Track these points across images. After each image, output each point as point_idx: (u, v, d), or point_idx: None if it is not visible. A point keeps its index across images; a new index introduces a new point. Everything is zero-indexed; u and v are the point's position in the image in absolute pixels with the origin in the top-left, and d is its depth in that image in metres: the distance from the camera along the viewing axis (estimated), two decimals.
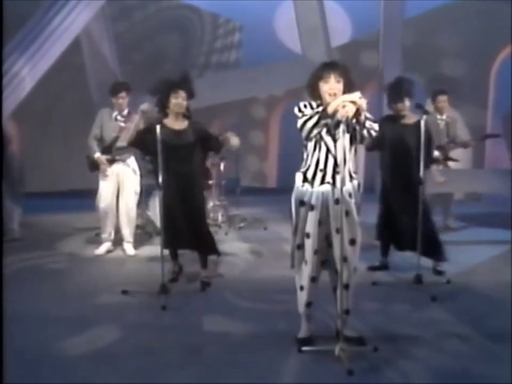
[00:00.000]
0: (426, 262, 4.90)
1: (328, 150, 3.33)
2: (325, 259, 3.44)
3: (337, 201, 3.26)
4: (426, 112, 4.59)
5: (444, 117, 6.40)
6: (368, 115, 3.23)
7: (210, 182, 7.07)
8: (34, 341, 3.60)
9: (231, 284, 4.88)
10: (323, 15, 10.47)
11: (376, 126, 3.28)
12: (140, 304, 4.33)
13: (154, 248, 5.79)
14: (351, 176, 3.38)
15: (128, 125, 5.36)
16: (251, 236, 6.86)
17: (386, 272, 5.11)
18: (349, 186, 3.34)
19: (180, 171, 4.54)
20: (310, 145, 3.37)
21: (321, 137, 3.31)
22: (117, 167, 5.83)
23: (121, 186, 5.88)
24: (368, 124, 3.22)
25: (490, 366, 3.23)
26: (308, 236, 3.35)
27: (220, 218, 7.33)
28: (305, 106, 3.33)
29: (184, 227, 4.63)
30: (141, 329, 3.81)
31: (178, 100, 4.52)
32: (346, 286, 3.34)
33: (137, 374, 3.14)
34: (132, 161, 5.90)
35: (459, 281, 4.80)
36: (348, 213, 3.30)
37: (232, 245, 6.37)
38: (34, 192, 8.16)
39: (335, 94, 3.25)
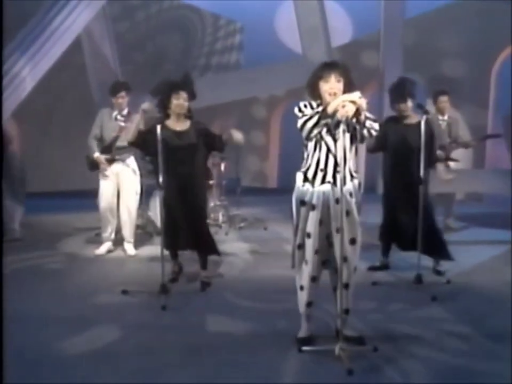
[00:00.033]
0: (427, 262, 4.90)
1: (328, 150, 3.33)
2: (325, 259, 3.43)
3: (337, 201, 3.26)
4: (426, 112, 4.58)
5: (446, 117, 6.40)
6: (369, 114, 3.22)
7: (211, 182, 7.07)
8: (34, 341, 3.60)
9: (231, 283, 4.88)
10: (323, 15, 10.47)
11: (376, 126, 3.27)
12: (140, 304, 4.33)
13: (154, 248, 5.80)
14: (351, 176, 3.37)
15: (128, 124, 5.37)
16: (251, 236, 6.87)
17: (387, 272, 5.10)
18: (349, 185, 3.34)
19: (180, 172, 4.53)
20: (311, 145, 3.36)
21: (322, 137, 3.31)
22: (116, 167, 5.83)
23: (121, 186, 5.88)
24: (368, 123, 3.22)
25: (490, 365, 3.22)
26: (308, 235, 3.35)
27: (220, 218, 7.33)
28: (305, 106, 3.32)
29: (184, 227, 4.63)
30: (141, 329, 3.80)
31: (179, 101, 4.52)
32: (346, 286, 3.34)
33: (137, 374, 3.14)
34: (131, 161, 5.90)
35: (459, 281, 4.80)
36: (348, 213, 3.29)
37: (233, 245, 6.37)
38: (35, 192, 8.17)
39: (335, 94, 3.25)
